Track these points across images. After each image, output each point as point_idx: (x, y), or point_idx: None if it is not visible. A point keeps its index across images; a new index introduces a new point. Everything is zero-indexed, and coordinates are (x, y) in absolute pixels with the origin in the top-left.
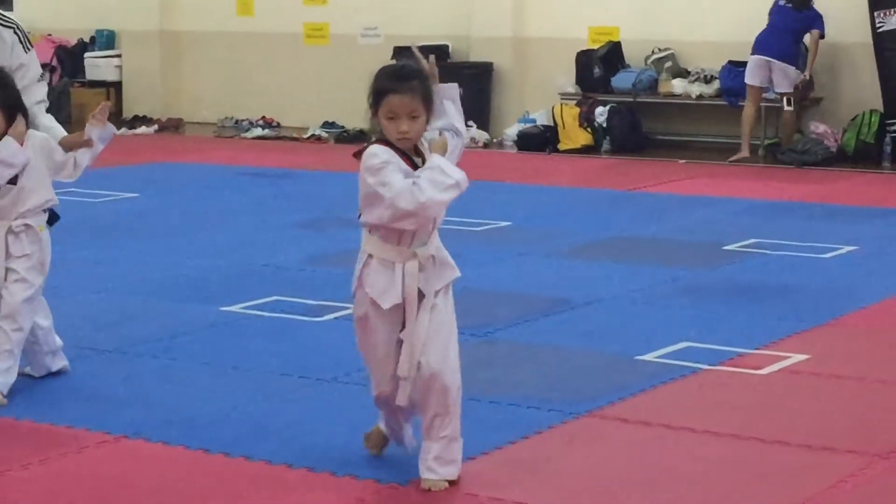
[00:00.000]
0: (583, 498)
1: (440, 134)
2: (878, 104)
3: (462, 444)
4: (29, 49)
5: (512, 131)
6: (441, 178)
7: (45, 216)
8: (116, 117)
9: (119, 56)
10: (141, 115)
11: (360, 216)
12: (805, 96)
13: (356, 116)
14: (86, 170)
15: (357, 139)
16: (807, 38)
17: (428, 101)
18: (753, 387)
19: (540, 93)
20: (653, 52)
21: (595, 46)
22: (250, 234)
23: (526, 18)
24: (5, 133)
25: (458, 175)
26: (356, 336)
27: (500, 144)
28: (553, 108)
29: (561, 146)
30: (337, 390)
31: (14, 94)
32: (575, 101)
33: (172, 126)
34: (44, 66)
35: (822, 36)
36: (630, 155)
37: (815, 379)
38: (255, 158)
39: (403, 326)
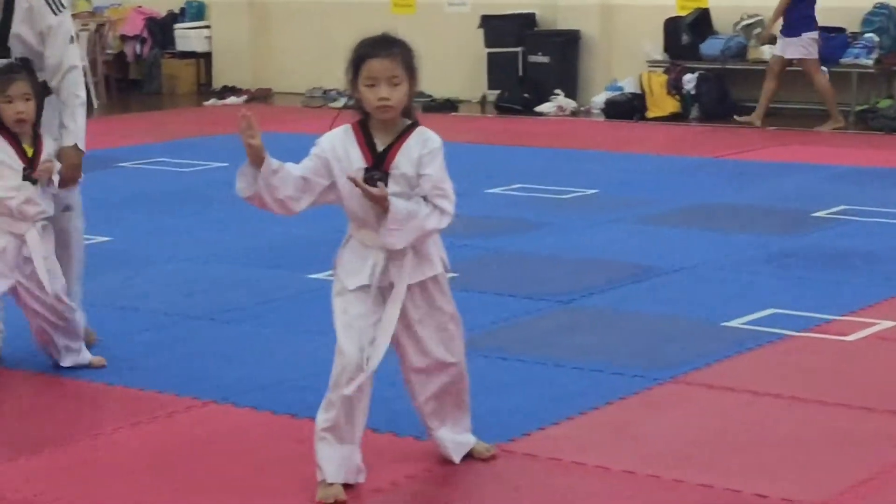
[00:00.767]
0: (665, 462)
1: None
2: None
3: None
4: (59, 10)
5: (599, 99)
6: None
7: None
8: (206, 87)
9: (208, 27)
10: (230, 85)
11: None
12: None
13: (443, 85)
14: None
15: (444, 108)
16: None
17: (410, 70)
18: (840, 353)
19: (627, 60)
20: (741, 19)
21: (683, 13)
22: None
23: None
24: (37, 122)
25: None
26: (334, 314)
27: (588, 112)
28: (641, 75)
29: (648, 114)
30: None
31: (39, 81)
32: (663, 69)
33: (261, 96)
34: (134, 37)
35: None
36: (718, 122)
37: None
38: None
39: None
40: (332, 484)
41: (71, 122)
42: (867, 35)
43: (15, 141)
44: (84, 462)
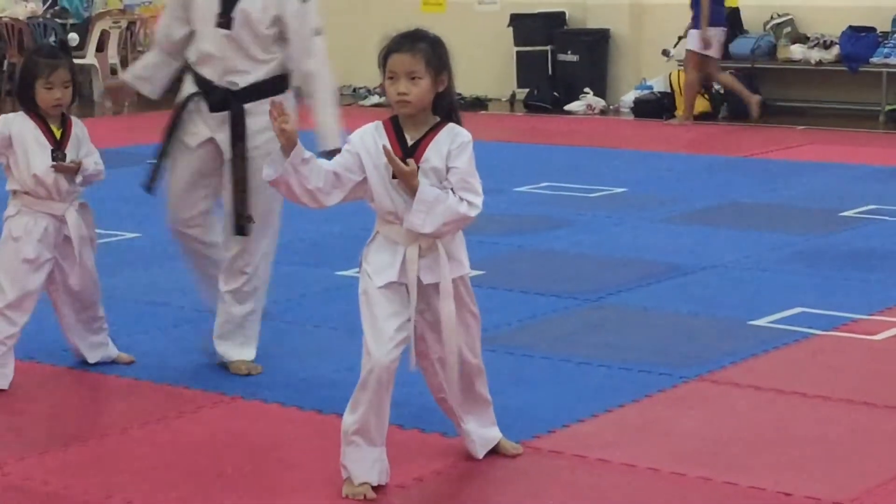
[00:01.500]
0: (690, 460)
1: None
2: None
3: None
4: None
5: (628, 98)
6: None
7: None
8: None
9: None
10: None
11: None
12: None
13: (473, 84)
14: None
15: (473, 106)
16: None
17: (435, 67)
18: (867, 352)
19: (657, 59)
20: (772, 18)
21: None
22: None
23: None
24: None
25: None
26: (361, 312)
27: (617, 111)
28: (670, 74)
29: (678, 113)
30: None
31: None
32: None
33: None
34: None
35: None
36: (747, 121)
37: None
38: None
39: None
40: (361, 483)
41: None
42: None
43: (43, 123)
44: (112, 456)
